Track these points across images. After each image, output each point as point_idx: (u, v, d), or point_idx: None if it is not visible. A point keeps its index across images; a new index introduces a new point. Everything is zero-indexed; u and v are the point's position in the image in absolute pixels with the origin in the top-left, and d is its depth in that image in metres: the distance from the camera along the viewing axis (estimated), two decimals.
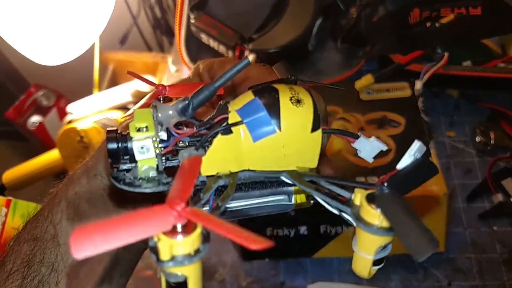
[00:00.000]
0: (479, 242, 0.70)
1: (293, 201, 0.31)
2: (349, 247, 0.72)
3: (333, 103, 0.73)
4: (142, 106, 0.31)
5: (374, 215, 0.24)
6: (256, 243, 0.19)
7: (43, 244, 0.38)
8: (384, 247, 0.26)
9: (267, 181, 0.31)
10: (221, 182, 0.28)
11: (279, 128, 0.28)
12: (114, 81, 1.03)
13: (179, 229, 0.21)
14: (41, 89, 1.12)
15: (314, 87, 0.39)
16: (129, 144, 0.28)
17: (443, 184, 0.64)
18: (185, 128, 0.29)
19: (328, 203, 0.27)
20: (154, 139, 0.28)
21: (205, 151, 0.28)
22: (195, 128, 0.29)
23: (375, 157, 0.69)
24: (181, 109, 0.29)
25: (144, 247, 0.41)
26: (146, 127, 0.28)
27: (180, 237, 0.21)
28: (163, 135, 0.28)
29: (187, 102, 0.29)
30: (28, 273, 0.37)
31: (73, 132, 0.82)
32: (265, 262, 0.69)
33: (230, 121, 0.28)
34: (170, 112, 0.29)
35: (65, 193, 0.39)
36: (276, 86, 0.30)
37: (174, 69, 0.91)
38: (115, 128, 0.29)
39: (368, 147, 0.31)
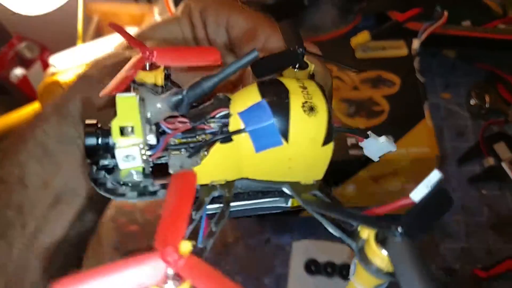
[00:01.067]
0: (467, 205, 0.70)
1: (289, 204, 0.28)
2: None
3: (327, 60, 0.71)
4: (124, 80, 0.26)
5: (380, 257, 0.21)
6: None
7: (8, 186, 0.36)
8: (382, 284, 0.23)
9: (266, 191, 0.27)
10: (215, 194, 0.25)
11: (287, 139, 0.24)
12: (98, 33, 0.99)
13: (169, 275, 0.18)
14: (23, 41, 1.07)
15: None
16: (110, 141, 0.24)
17: (436, 146, 0.63)
18: (177, 123, 0.25)
19: (331, 228, 0.24)
20: (142, 146, 0.24)
21: (200, 158, 0.25)
22: (189, 123, 0.25)
23: (368, 118, 0.67)
24: (174, 104, 0.25)
25: None
26: (132, 128, 0.23)
27: (170, 286, 0.18)
28: (152, 139, 0.24)
29: (181, 96, 0.24)
30: None
31: (55, 85, 0.79)
32: (251, 220, 0.69)
33: (231, 128, 0.25)
34: (159, 106, 0.25)
35: (32, 131, 0.36)
36: (287, 83, 0.25)
37: None
38: (94, 121, 0.25)
39: (376, 147, 0.28)
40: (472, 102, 0.76)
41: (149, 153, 0.24)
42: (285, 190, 0.26)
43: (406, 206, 0.22)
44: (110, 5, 0.99)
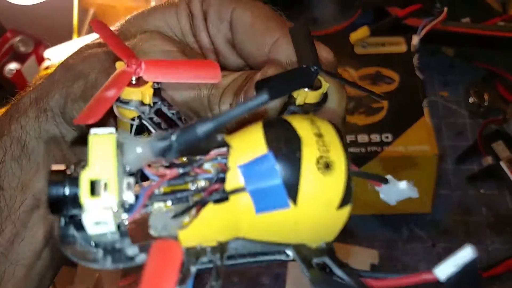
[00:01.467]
0: (465, 204, 0.70)
1: (291, 257, 0.24)
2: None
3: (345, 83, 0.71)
4: (104, 102, 0.22)
5: None
6: None
7: None
8: None
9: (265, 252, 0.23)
10: (204, 259, 0.21)
11: (295, 202, 0.20)
12: None
13: None
14: (18, 35, 1.06)
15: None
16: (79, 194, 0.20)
17: (435, 144, 0.62)
18: (161, 168, 0.21)
19: None
20: (116, 208, 0.19)
21: (187, 217, 0.21)
22: (177, 169, 0.21)
23: (367, 115, 0.66)
24: (159, 151, 0.20)
25: None
26: (106, 183, 0.19)
27: None
28: (129, 197, 0.20)
29: (169, 143, 0.20)
30: None
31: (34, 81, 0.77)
32: None
33: (228, 185, 0.20)
34: (140, 151, 0.20)
35: (8, 125, 0.33)
36: (299, 128, 0.21)
37: None
38: (62, 167, 0.20)
39: (395, 192, 0.25)
40: (471, 100, 0.76)
41: (125, 216, 0.20)
42: (289, 253, 0.23)
43: (427, 281, 0.20)
44: None
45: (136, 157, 0.20)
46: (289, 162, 0.20)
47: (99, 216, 0.19)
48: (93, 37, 0.86)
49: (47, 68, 0.88)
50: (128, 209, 0.20)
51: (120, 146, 0.20)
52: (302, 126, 0.21)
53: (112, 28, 0.34)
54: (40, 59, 1.04)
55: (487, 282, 0.62)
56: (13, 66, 1.05)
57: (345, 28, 0.76)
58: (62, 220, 0.21)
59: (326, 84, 0.27)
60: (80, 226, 0.20)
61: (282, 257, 0.23)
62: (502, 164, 0.68)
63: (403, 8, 0.72)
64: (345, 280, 0.21)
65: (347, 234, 0.68)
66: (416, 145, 0.62)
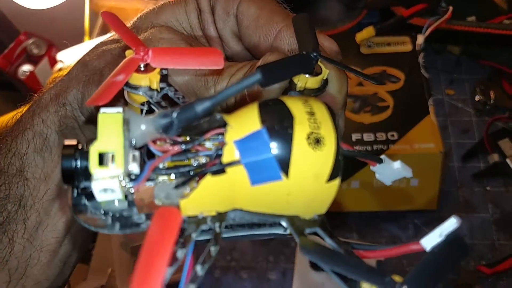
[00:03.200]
0: (471, 201, 0.70)
1: (288, 232, 0.25)
2: (341, 202, 0.70)
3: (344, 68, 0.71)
4: (113, 86, 0.24)
5: None
6: None
7: (7, 178, 0.34)
8: None
9: (261, 223, 0.25)
10: (204, 227, 0.22)
11: (287, 174, 0.21)
12: (105, 29, 0.99)
13: None
14: (31, 37, 1.08)
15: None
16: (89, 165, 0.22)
17: (440, 142, 0.63)
18: (167, 143, 0.23)
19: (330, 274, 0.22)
20: (122, 177, 0.21)
21: (189, 188, 0.22)
22: (180, 146, 0.23)
23: (373, 113, 0.67)
24: (162, 127, 0.22)
25: None
26: (113, 155, 0.21)
27: None
28: (134, 168, 0.22)
29: (170, 119, 0.22)
30: None
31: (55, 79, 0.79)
32: None
33: (225, 158, 0.22)
34: (144, 127, 0.22)
35: (31, 120, 0.35)
36: (292, 107, 0.22)
37: None
38: (74, 142, 0.22)
39: (389, 172, 0.26)
40: (477, 98, 0.76)
41: (130, 185, 0.22)
42: (283, 223, 0.24)
43: (415, 252, 0.21)
44: (116, 0, 0.99)
45: (140, 133, 0.22)
46: (281, 137, 0.21)
47: (107, 183, 0.21)
48: (103, 39, 0.88)
49: (60, 70, 0.90)
50: (134, 179, 0.22)
51: (126, 122, 0.22)
52: (295, 105, 0.22)
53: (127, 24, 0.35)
54: (53, 61, 1.06)
55: (494, 278, 0.63)
56: (26, 68, 1.08)
57: (351, 28, 0.77)
58: (75, 191, 0.23)
59: (326, 71, 0.27)
60: (91, 197, 0.22)
61: (278, 231, 0.25)
62: (509, 162, 0.69)
63: (408, 8, 0.73)
64: (334, 248, 0.22)
65: (353, 231, 0.69)
66: (421, 143, 0.63)
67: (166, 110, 0.22)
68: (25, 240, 0.34)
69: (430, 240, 0.20)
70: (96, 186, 0.21)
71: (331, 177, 0.22)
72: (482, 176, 0.71)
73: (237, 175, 0.22)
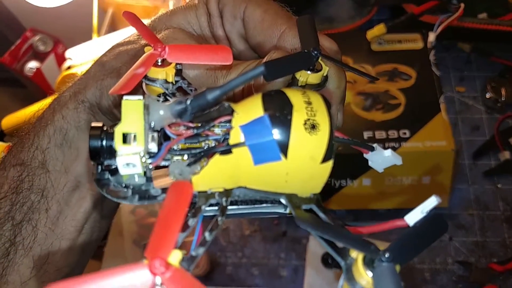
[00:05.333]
0: (482, 199, 0.70)
1: (288, 211, 0.28)
2: (353, 200, 0.71)
3: (343, 53, 0.70)
4: (134, 77, 0.26)
5: (365, 279, 0.22)
6: None
7: (31, 171, 0.36)
8: None
9: (263, 199, 0.28)
10: (212, 201, 0.25)
11: (286, 156, 0.24)
12: (113, 26, 0.99)
13: (157, 284, 0.19)
14: (37, 34, 1.08)
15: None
16: (114, 144, 0.24)
17: (451, 140, 0.63)
18: (181, 127, 0.26)
19: (322, 243, 0.24)
20: (142, 154, 0.24)
21: (199, 166, 0.25)
22: (192, 130, 0.25)
23: (384, 111, 0.67)
24: (177, 113, 0.24)
25: None
26: (135, 135, 0.24)
27: None
28: (153, 147, 0.25)
29: (184, 106, 0.24)
30: (16, 199, 0.36)
31: (72, 78, 0.79)
32: None
33: (231, 140, 0.25)
34: (162, 112, 0.25)
35: (52, 116, 0.37)
36: (292, 97, 0.25)
37: None
38: (100, 124, 0.25)
39: (381, 160, 0.28)
40: (488, 95, 0.76)
41: (149, 161, 0.25)
42: (282, 200, 0.26)
43: (399, 227, 0.23)
44: None
45: (159, 117, 0.25)
46: (282, 123, 0.24)
47: (129, 159, 0.24)
48: (112, 36, 0.88)
49: (69, 68, 0.90)
50: (153, 157, 0.25)
51: (146, 108, 0.25)
52: (294, 95, 0.25)
53: None
54: (59, 58, 1.06)
55: (505, 276, 0.63)
56: (33, 64, 1.08)
57: (361, 25, 0.77)
58: (99, 168, 0.25)
59: (326, 68, 0.29)
60: (114, 172, 0.25)
61: (279, 209, 0.28)
62: None
63: (419, 5, 0.72)
64: (326, 221, 0.25)
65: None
66: (433, 140, 0.63)
67: (181, 98, 0.25)
68: (47, 228, 0.36)
69: (413, 217, 0.23)
70: (120, 161, 0.24)
71: (325, 159, 0.25)
72: (493, 174, 0.71)
73: (242, 155, 0.24)
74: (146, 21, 0.37)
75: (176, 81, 0.30)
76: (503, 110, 0.75)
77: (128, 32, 0.88)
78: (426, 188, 0.64)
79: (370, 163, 0.29)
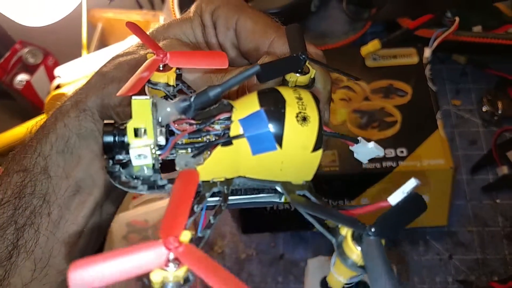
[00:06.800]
0: (481, 215, 0.69)
1: (283, 200, 0.31)
2: None
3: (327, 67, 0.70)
4: (139, 81, 0.29)
5: (355, 253, 0.24)
6: None
7: (33, 176, 0.38)
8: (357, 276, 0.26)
9: (260, 188, 0.30)
10: (215, 189, 0.28)
11: (280, 145, 0.27)
12: (103, 41, 0.97)
13: (171, 259, 0.21)
14: (27, 46, 1.06)
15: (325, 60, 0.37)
16: (125, 139, 0.27)
17: (450, 158, 0.62)
18: (184, 124, 0.28)
19: (315, 224, 0.26)
20: (152, 146, 0.26)
21: (202, 158, 0.28)
22: (195, 126, 0.28)
23: (380, 129, 0.66)
24: (182, 109, 0.27)
25: None
26: (145, 130, 0.26)
27: (171, 268, 0.21)
28: (162, 140, 0.27)
29: (188, 103, 0.27)
30: (19, 204, 0.37)
31: (61, 98, 0.78)
32: (264, 235, 0.68)
33: (232, 133, 0.27)
34: (169, 109, 0.27)
35: (54, 124, 0.39)
36: (284, 93, 0.28)
37: None
38: (112, 121, 0.27)
39: (365, 152, 0.31)
40: (484, 108, 0.75)
41: (159, 152, 0.27)
42: (278, 188, 0.29)
43: (384, 208, 0.25)
44: (114, 12, 0.97)
45: (166, 113, 0.27)
46: (276, 116, 0.27)
47: (141, 150, 0.26)
48: (102, 53, 0.86)
49: (58, 86, 0.88)
50: (161, 149, 0.27)
51: (154, 105, 0.27)
52: (286, 92, 0.28)
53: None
54: (50, 70, 1.04)
55: None
56: (22, 77, 1.06)
57: (355, 41, 0.76)
58: (110, 161, 0.27)
59: (313, 70, 0.32)
60: (124, 166, 0.27)
61: (275, 199, 0.30)
62: None
63: (413, 19, 0.71)
64: (317, 203, 0.28)
65: None
66: (431, 159, 0.62)
67: (185, 95, 0.27)
68: (49, 232, 0.38)
69: (395, 197, 0.25)
70: (133, 152, 0.26)
71: (315, 148, 0.27)
72: (491, 189, 0.70)
73: (241, 146, 0.27)
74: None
75: (177, 84, 0.33)
76: (500, 123, 0.74)
77: (117, 48, 0.86)
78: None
79: (355, 155, 0.31)
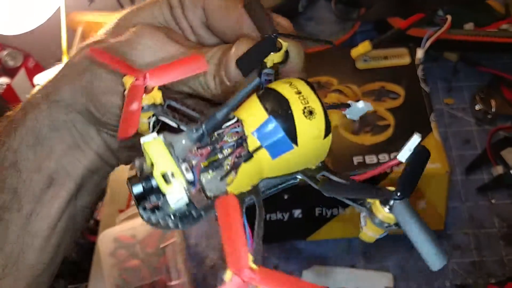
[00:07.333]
0: (477, 216, 0.68)
1: (297, 181, 0.32)
2: (345, 228, 0.68)
3: (327, 73, 0.67)
4: (133, 116, 0.28)
5: (382, 213, 0.26)
6: None
7: (3, 170, 0.37)
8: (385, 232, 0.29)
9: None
10: (247, 201, 0.29)
11: (296, 143, 0.28)
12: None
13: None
14: (5, 49, 1.03)
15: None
16: (153, 182, 0.27)
17: (445, 162, 0.61)
18: (198, 150, 0.29)
19: (344, 200, 0.28)
20: (185, 186, 0.26)
21: (230, 178, 0.28)
22: (208, 146, 0.29)
23: (373, 134, 0.64)
24: (197, 139, 0.28)
25: (110, 170, 0.42)
26: (172, 173, 0.26)
27: None
28: (190, 176, 0.27)
29: (202, 131, 0.28)
30: None
31: None
32: None
33: (250, 147, 0.28)
34: (184, 142, 0.28)
35: (23, 118, 0.38)
36: (284, 92, 0.29)
37: None
38: (134, 173, 0.28)
39: (356, 111, 0.33)
40: (477, 107, 0.74)
41: (192, 189, 0.27)
42: (298, 176, 0.31)
43: (394, 165, 0.28)
44: (94, 14, 0.94)
45: (182, 148, 0.28)
46: (285, 119, 0.28)
47: (177, 195, 0.26)
48: None
49: None
50: (192, 183, 0.27)
51: (167, 144, 0.27)
52: (285, 90, 0.29)
53: (108, 25, 0.39)
54: (31, 73, 1.01)
55: None
56: (2, 80, 1.02)
57: (345, 41, 0.74)
58: (141, 209, 0.28)
59: (285, 44, 0.32)
60: (157, 209, 0.27)
61: (294, 181, 0.32)
62: None
63: (404, 19, 0.69)
64: (340, 181, 0.30)
65: (360, 254, 0.66)
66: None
67: (194, 124, 0.29)
68: (19, 227, 0.37)
69: (403, 155, 0.27)
70: (171, 199, 0.26)
71: (326, 135, 0.29)
72: (487, 190, 0.69)
73: (262, 156, 0.28)
74: (112, 21, 0.40)
75: (164, 101, 0.32)
76: (494, 121, 0.73)
77: None
78: (422, 213, 0.62)
79: (348, 116, 0.33)
